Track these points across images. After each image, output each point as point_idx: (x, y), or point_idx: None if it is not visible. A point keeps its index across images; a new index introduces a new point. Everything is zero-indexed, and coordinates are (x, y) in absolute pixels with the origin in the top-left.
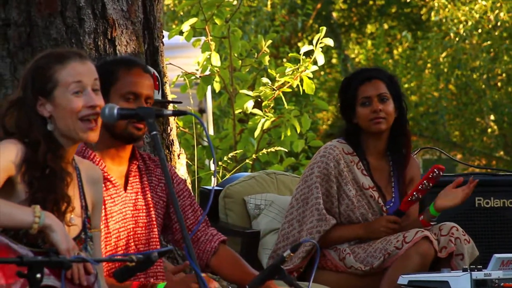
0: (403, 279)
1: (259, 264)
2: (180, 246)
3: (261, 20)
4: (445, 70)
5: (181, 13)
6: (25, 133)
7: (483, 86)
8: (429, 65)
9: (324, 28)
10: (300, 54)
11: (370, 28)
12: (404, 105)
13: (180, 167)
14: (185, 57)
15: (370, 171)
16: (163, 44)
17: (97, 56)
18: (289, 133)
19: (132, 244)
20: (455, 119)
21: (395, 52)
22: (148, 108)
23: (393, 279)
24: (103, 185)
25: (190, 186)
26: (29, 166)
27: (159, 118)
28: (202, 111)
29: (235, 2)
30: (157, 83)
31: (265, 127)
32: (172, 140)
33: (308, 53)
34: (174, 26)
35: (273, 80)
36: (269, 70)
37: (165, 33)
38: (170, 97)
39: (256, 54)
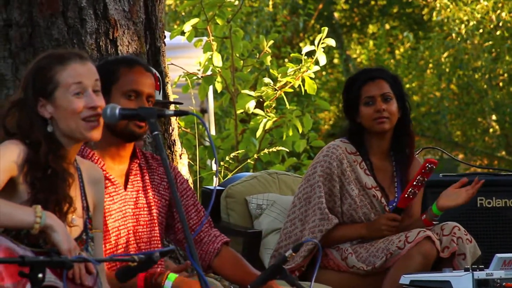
0: (405, 279)
1: (261, 264)
2: (182, 246)
3: (263, 20)
4: (447, 70)
5: (183, 14)
6: (26, 134)
7: (485, 86)
8: (430, 65)
9: (326, 29)
10: (302, 54)
11: (371, 28)
12: (407, 105)
13: (182, 167)
14: (187, 57)
15: (373, 171)
16: (165, 44)
17: (99, 57)
18: (290, 133)
19: (133, 242)
20: (457, 119)
21: (396, 52)
22: (150, 108)
23: (395, 279)
24: None
25: (192, 186)
26: (31, 167)
27: (161, 118)
28: (204, 111)
29: (236, 2)
30: (158, 83)
31: (267, 127)
32: (174, 140)
33: (310, 53)
34: (175, 27)
35: (275, 80)
36: (271, 70)
37: (167, 33)
38: (171, 97)
39: (257, 54)
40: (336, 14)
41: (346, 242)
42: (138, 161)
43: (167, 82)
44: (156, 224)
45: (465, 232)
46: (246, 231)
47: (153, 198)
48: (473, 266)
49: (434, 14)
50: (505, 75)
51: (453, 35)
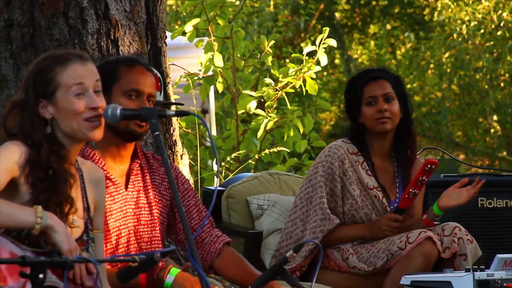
0: (406, 280)
1: (262, 265)
2: (184, 246)
3: (264, 20)
4: (448, 70)
5: (184, 14)
6: (28, 135)
7: (486, 86)
8: (432, 65)
9: (327, 29)
10: (303, 55)
11: (373, 29)
12: (409, 106)
13: (183, 168)
14: (188, 58)
15: (374, 172)
16: (166, 45)
17: (100, 57)
18: (292, 134)
19: (134, 242)
20: (458, 119)
21: (398, 52)
22: (151, 109)
23: (396, 279)
24: None
25: (193, 187)
26: (32, 168)
27: (162, 118)
28: (205, 111)
29: (237, 3)
30: (159, 84)
31: (268, 127)
32: (175, 140)
33: (311, 54)
34: (177, 27)
35: (276, 80)
36: (272, 71)
37: (168, 34)
38: (173, 97)
39: (259, 54)
40: (337, 14)
41: (347, 243)
42: (139, 161)
43: (168, 83)
44: (157, 224)
45: (466, 233)
46: (247, 232)
47: (154, 198)
48: (474, 267)
49: (435, 14)
50: (506, 75)
51: (454, 35)
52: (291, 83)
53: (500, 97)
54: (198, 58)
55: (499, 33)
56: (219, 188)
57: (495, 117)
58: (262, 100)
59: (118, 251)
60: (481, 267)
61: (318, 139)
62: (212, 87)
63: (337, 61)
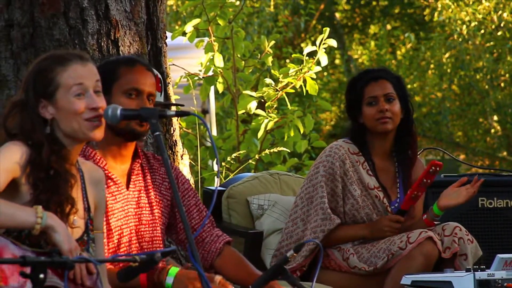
0: (407, 279)
1: (262, 265)
2: (184, 246)
3: (264, 20)
4: (448, 70)
5: (184, 14)
6: (28, 135)
7: (487, 86)
8: (432, 65)
9: (327, 29)
10: (303, 55)
11: (373, 29)
12: (410, 106)
13: (183, 168)
14: (188, 58)
15: (375, 172)
16: (166, 45)
17: (100, 57)
18: (292, 134)
19: (135, 241)
20: (458, 120)
21: (398, 52)
22: (151, 109)
23: (396, 279)
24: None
25: (193, 187)
26: (33, 168)
27: (162, 118)
28: (205, 111)
29: (238, 3)
30: (159, 85)
31: (268, 127)
32: (175, 140)
33: (311, 54)
34: (177, 27)
35: (276, 80)
36: (272, 71)
37: (168, 34)
38: (173, 97)
39: (259, 54)
40: (337, 15)
41: (348, 243)
42: (140, 161)
43: (169, 83)
44: (158, 224)
45: (466, 233)
46: (247, 232)
47: (154, 198)
48: (475, 267)
49: (436, 14)
50: (507, 75)
51: (455, 35)
52: (292, 83)
53: (500, 97)
54: (199, 58)
55: (499, 33)
56: (219, 188)
57: (495, 117)
58: (263, 100)
59: (120, 251)
60: (482, 267)
61: (318, 139)
62: (212, 88)
63: (337, 61)
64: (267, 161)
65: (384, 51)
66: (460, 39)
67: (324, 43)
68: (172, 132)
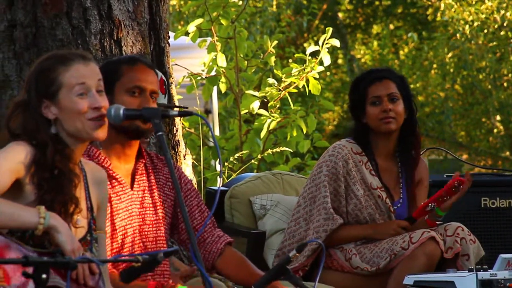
0: (409, 279)
1: (265, 265)
2: (186, 246)
3: (267, 20)
4: (451, 70)
5: (187, 14)
6: (32, 135)
7: (489, 86)
8: (435, 65)
9: (330, 29)
10: (306, 55)
11: (376, 29)
12: (413, 106)
13: (186, 168)
14: (191, 58)
15: (378, 172)
16: (169, 45)
17: (103, 57)
18: (295, 134)
19: (139, 241)
20: (461, 120)
21: (401, 52)
22: (154, 109)
23: (399, 279)
24: (109, 182)
25: (196, 187)
26: (38, 168)
27: (165, 118)
28: (208, 111)
29: (240, 3)
30: (164, 87)
31: (271, 127)
32: (178, 140)
33: (314, 54)
34: (180, 27)
35: (279, 80)
36: (275, 71)
37: (171, 34)
38: (176, 97)
39: (262, 54)
40: (340, 15)
41: (350, 243)
42: (143, 161)
43: (171, 83)
44: (162, 224)
45: (468, 233)
46: (250, 232)
47: (158, 198)
48: (477, 267)
49: (439, 14)
50: (510, 75)
51: (458, 35)
52: (294, 83)
53: (503, 97)
54: (201, 58)
55: (502, 33)
56: (222, 188)
57: (498, 117)
58: (265, 100)
59: (124, 251)
60: (484, 267)
61: (321, 139)
62: (215, 87)
63: (340, 61)
64: (270, 161)
65: (386, 51)
66: (463, 39)
67: (326, 43)
68: (175, 132)
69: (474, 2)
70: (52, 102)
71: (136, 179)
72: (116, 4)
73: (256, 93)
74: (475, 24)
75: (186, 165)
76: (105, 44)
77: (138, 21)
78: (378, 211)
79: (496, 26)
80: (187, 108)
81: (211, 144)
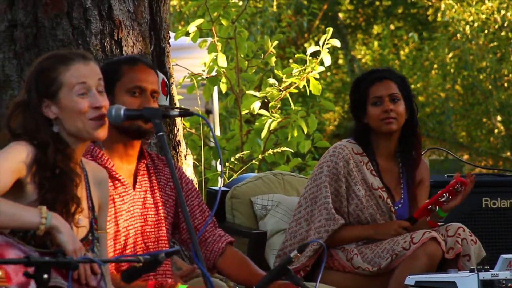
0: (410, 280)
1: (266, 265)
2: (187, 246)
3: (267, 20)
4: (452, 70)
5: (187, 14)
6: (33, 135)
7: (490, 86)
8: (435, 65)
9: (331, 29)
10: (306, 55)
11: (376, 29)
12: (414, 106)
13: (187, 168)
14: (192, 58)
15: (379, 172)
16: (170, 45)
17: (104, 57)
18: (295, 134)
19: (141, 242)
20: (461, 120)
21: (401, 52)
22: (155, 109)
23: (400, 279)
24: (112, 183)
25: (196, 187)
26: (39, 167)
27: (166, 118)
28: (209, 112)
29: (241, 3)
30: (165, 88)
31: (271, 127)
32: (179, 140)
33: (315, 54)
34: (180, 27)
35: (279, 81)
36: (275, 71)
37: (172, 34)
38: (176, 97)
39: (262, 55)
40: (340, 15)
41: (352, 243)
42: (145, 162)
43: (172, 83)
44: (164, 224)
45: (469, 233)
46: (251, 232)
47: (160, 198)
48: (478, 267)
49: (439, 14)
50: (510, 75)
51: (458, 35)
52: (295, 83)
53: (504, 98)
54: (202, 58)
55: (502, 33)
56: (223, 188)
57: (498, 118)
58: (266, 100)
59: (126, 251)
60: (486, 267)
61: (321, 140)
62: (215, 88)
63: (340, 61)
64: (271, 161)
65: (387, 51)
66: (463, 39)
67: (327, 43)
68: (175, 132)
69: (474, 3)
70: (53, 101)
71: (138, 180)
72: (117, 5)
73: (257, 94)
74: (476, 24)
75: (187, 165)
76: (105, 44)
77: (138, 21)
78: (379, 212)
79: (496, 27)
80: (188, 110)
81: (212, 144)
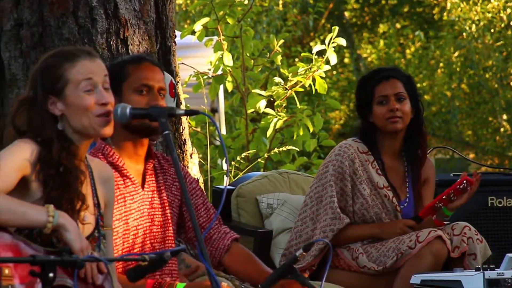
0: (416, 279)
1: (272, 264)
2: (193, 244)
3: (273, 19)
4: (458, 69)
5: (193, 13)
6: (38, 132)
7: (496, 85)
8: (441, 64)
9: (337, 28)
10: (312, 54)
11: (382, 28)
12: (420, 106)
13: (193, 167)
14: (198, 57)
15: (384, 171)
16: (175, 44)
17: (110, 56)
18: (301, 133)
19: (148, 242)
20: (467, 119)
21: (407, 51)
22: (161, 108)
23: (406, 278)
24: (123, 182)
25: (202, 186)
26: (44, 165)
27: (172, 117)
28: (215, 110)
29: (247, 2)
30: (173, 90)
31: (277, 126)
32: (185, 139)
33: (321, 53)
34: (186, 26)
35: (285, 79)
36: (281, 70)
37: (177, 33)
38: (182, 96)
39: (268, 53)
40: (346, 14)
41: (357, 242)
42: (153, 162)
43: (178, 82)
44: (170, 224)
45: (475, 232)
46: (256, 231)
47: (167, 198)
48: (484, 266)
49: (445, 13)
50: None
51: (464, 34)
52: (301, 82)
53: (510, 96)
54: (208, 57)
55: (508, 32)
56: (228, 187)
57: (504, 116)
58: (272, 99)
59: (134, 250)
60: (491, 266)
61: (327, 138)
62: (221, 86)
63: (346, 60)
64: (276, 160)
65: (393, 50)
66: (469, 38)
67: (333, 42)
68: (181, 131)
69: (480, 1)
70: (59, 98)
71: (146, 180)
72: (123, 3)
73: (263, 92)
74: (482, 23)
75: (193, 164)
76: (111, 43)
77: (144, 20)
78: (385, 210)
79: (502, 25)
80: (197, 112)
81: (218, 143)
